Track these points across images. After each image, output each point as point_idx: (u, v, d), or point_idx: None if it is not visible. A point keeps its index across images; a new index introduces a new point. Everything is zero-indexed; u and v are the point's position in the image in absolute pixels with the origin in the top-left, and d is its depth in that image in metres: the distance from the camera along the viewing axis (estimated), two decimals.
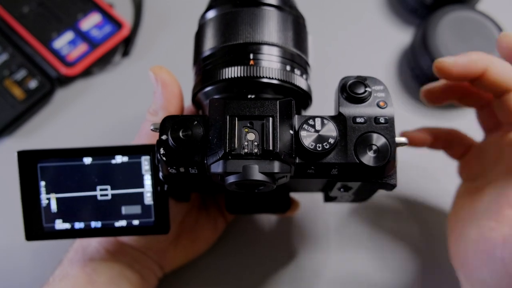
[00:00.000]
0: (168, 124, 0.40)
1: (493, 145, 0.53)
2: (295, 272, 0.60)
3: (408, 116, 0.69)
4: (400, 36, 0.75)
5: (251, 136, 0.39)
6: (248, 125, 0.39)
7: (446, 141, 0.58)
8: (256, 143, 0.39)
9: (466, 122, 0.61)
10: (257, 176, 0.37)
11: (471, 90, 0.55)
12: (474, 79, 0.50)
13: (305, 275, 0.60)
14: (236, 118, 0.39)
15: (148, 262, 0.55)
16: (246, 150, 0.38)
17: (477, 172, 0.55)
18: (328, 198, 0.50)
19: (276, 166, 0.38)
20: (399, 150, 0.42)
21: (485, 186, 0.51)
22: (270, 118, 0.39)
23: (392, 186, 0.41)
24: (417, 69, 0.70)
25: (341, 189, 0.44)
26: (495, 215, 0.47)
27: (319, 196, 0.55)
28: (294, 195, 0.57)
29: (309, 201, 0.62)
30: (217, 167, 0.38)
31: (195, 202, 0.59)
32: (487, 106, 0.55)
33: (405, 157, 0.62)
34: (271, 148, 0.38)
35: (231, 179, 0.38)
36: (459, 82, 0.54)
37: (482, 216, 0.49)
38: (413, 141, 0.58)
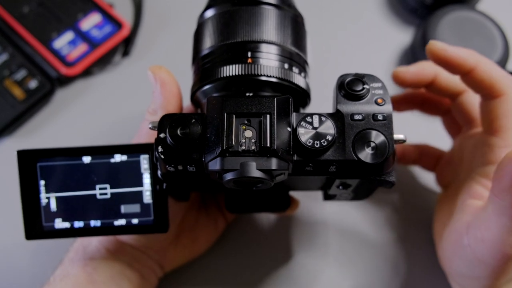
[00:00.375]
0: (166, 122, 0.40)
1: (457, 148, 0.57)
2: (295, 271, 0.60)
3: (408, 116, 0.69)
4: (400, 36, 0.75)
5: (248, 133, 0.39)
6: (246, 122, 0.39)
7: (417, 155, 0.62)
8: (253, 140, 0.39)
9: None
10: (255, 173, 0.37)
11: (429, 98, 0.60)
12: (427, 84, 0.55)
13: (305, 274, 0.60)
14: (234, 116, 0.39)
15: (148, 261, 0.55)
16: (243, 147, 0.38)
17: (450, 178, 0.57)
18: (327, 197, 0.50)
19: (273, 163, 0.38)
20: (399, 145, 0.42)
21: (457, 187, 0.54)
22: (268, 115, 0.39)
23: (391, 183, 0.41)
24: None
25: (340, 187, 0.44)
26: (460, 207, 0.50)
27: (319, 194, 0.55)
28: (293, 193, 0.57)
29: (308, 200, 0.62)
30: (214, 165, 0.38)
31: (195, 202, 0.59)
32: (448, 113, 0.59)
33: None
34: (268, 145, 0.38)
35: (228, 176, 0.38)
36: (417, 91, 0.60)
37: (453, 213, 0.51)
38: None
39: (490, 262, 0.45)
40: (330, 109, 0.44)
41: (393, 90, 0.71)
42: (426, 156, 0.61)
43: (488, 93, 0.49)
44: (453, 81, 0.54)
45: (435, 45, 0.50)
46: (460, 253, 0.48)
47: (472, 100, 0.54)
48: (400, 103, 0.60)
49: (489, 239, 0.44)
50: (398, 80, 0.55)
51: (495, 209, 0.43)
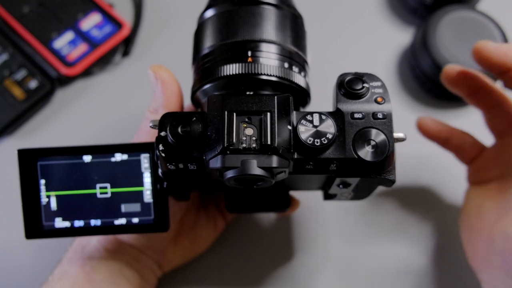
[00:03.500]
0: (167, 120, 0.40)
1: None
2: (295, 271, 0.60)
3: (408, 116, 0.69)
4: (400, 36, 0.75)
5: (249, 131, 0.39)
6: (246, 120, 0.39)
7: (459, 142, 0.58)
8: (254, 138, 0.39)
9: (470, 122, 0.60)
10: (256, 170, 0.37)
11: (485, 87, 0.54)
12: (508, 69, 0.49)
13: (305, 274, 0.60)
14: (234, 114, 0.39)
15: (147, 261, 0.55)
16: (244, 145, 0.38)
17: (493, 175, 0.55)
18: (327, 196, 0.50)
19: (274, 161, 0.38)
20: (398, 146, 0.42)
21: (507, 186, 0.52)
22: (268, 113, 0.39)
23: (391, 182, 0.41)
24: (417, 69, 0.70)
25: (340, 186, 0.44)
26: None
27: (319, 194, 0.55)
28: (294, 193, 0.57)
29: (308, 200, 0.62)
30: (215, 162, 0.38)
31: (194, 202, 0.59)
32: (496, 108, 0.55)
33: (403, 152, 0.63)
34: (269, 142, 0.38)
35: (229, 174, 0.38)
36: (475, 76, 0.54)
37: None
38: (427, 131, 0.60)
39: None
40: (330, 109, 0.44)
41: (393, 89, 0.71)
42: (470, 147, 0.58)
43: None
44: None
45: (485, 46, 0.49)
46: None
47: None
48: (453, 81, 0.56)
49: None
50: (481, 55, 0.50)
51: None
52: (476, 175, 0.57)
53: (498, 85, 0.54)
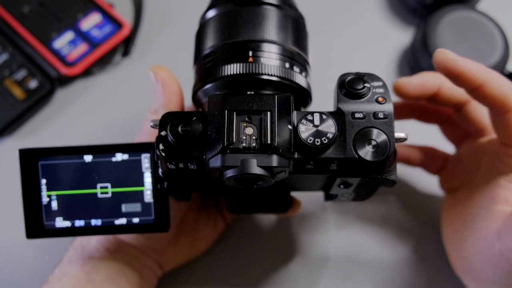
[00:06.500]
0: (168, 120, 0.40)
1: (469, 154, 0.55)
2: (295, 272, 0.60)
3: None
4: (400, 36, 0.75)
5: (249, 130, 0.39)
6: (247, 119, 0.39)
7: (422, 157, 0.60)
8: (254, 137, 0.39)
9: None
10: (255, 170, 0.37)
11: (428, 108, 0.57)
12: (430, 97, 0.52)
13: (305, 275, 0.60)
14: (235, 113, 0.39)
15: (147, 261, 0.55)
16: (244, 144, 0.38)
17: (458, 183, 0.56)
18: (328, 197, 0.50)
19: (274, 160, 0.38)
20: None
21: (471, 192, 0.53)
22: (268, 113, 0.39)
23: (392, 182, 0.41)
24: (417, 69, 0.70)
25: (341, 186, 0.44)
26: (486, 214, 0.48)
27: (320, 195, 0.55)
28: (295, 194, 0.57)
29: (310, 201, 0.62)
30: (215, 162, 0.38)
31: (195, 202, 0.59)
32: (448, 121, 0.58)
33: None
34: (269, 142, 0.38)
35: (229, 173, 0.38)
36: (416, 101, 0.57)
37: (475, 219, 0.50)
38: None
39: None
40: (331, 109, 0.44)
41: (393, 90, 0.71)
42: (432, 159, 0.60)
43: (499, 108, 0.46)
44: (457, 91, 0.51)
45: (444, 54, 0.46)
46: (493, 262, 0.46)
47: (479, 108, 0.52)
48: (398, 112, 0.58)
49: None
50: (400, 93, 0.52)
51: None
52: (446, 183, 0.58)
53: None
